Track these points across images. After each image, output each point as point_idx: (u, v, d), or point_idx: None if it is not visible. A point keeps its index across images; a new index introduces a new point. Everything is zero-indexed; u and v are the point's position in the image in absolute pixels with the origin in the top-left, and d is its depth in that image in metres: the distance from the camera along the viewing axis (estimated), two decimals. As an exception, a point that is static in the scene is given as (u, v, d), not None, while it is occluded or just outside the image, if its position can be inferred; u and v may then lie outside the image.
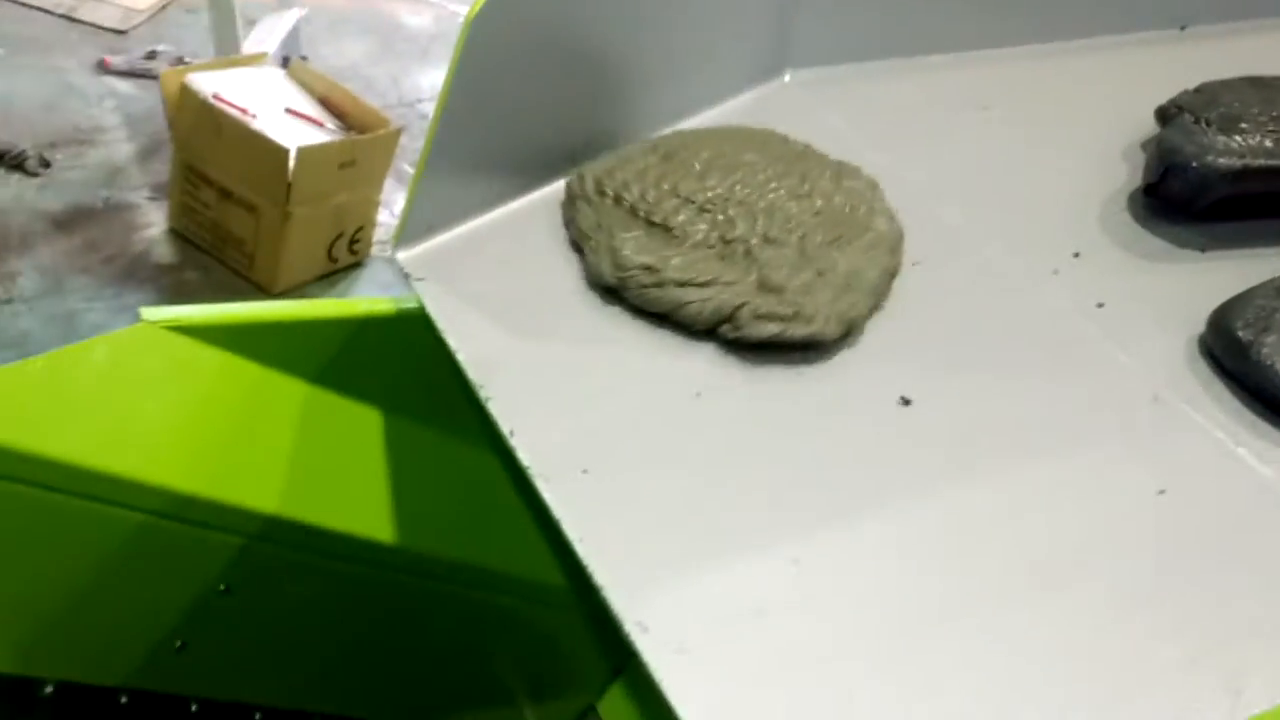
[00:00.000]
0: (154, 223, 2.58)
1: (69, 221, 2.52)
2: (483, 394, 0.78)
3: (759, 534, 0.70)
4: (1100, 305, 0.88)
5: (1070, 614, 0.67)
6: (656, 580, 0.67)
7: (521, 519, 1.05)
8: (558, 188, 0.94)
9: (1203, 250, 0.94)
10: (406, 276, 0.87)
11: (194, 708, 1.02)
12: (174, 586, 0.93)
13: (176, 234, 2.56)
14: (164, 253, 2.50)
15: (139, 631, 0.95)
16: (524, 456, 0.73)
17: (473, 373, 0.79)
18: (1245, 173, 0.90)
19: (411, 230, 0.88)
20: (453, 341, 0.82)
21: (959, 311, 0.87)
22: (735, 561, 0.69)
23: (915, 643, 0.65)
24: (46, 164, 2.66)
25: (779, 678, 0.63)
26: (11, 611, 0.87)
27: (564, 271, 0.87)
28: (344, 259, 2.59)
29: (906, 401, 0.79)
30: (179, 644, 0.96)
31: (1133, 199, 0.99)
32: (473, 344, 0.81)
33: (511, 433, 0.75)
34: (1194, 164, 0.91)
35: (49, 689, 0.92)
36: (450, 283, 0.86)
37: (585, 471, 0.73)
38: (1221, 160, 0.91)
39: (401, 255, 0.88)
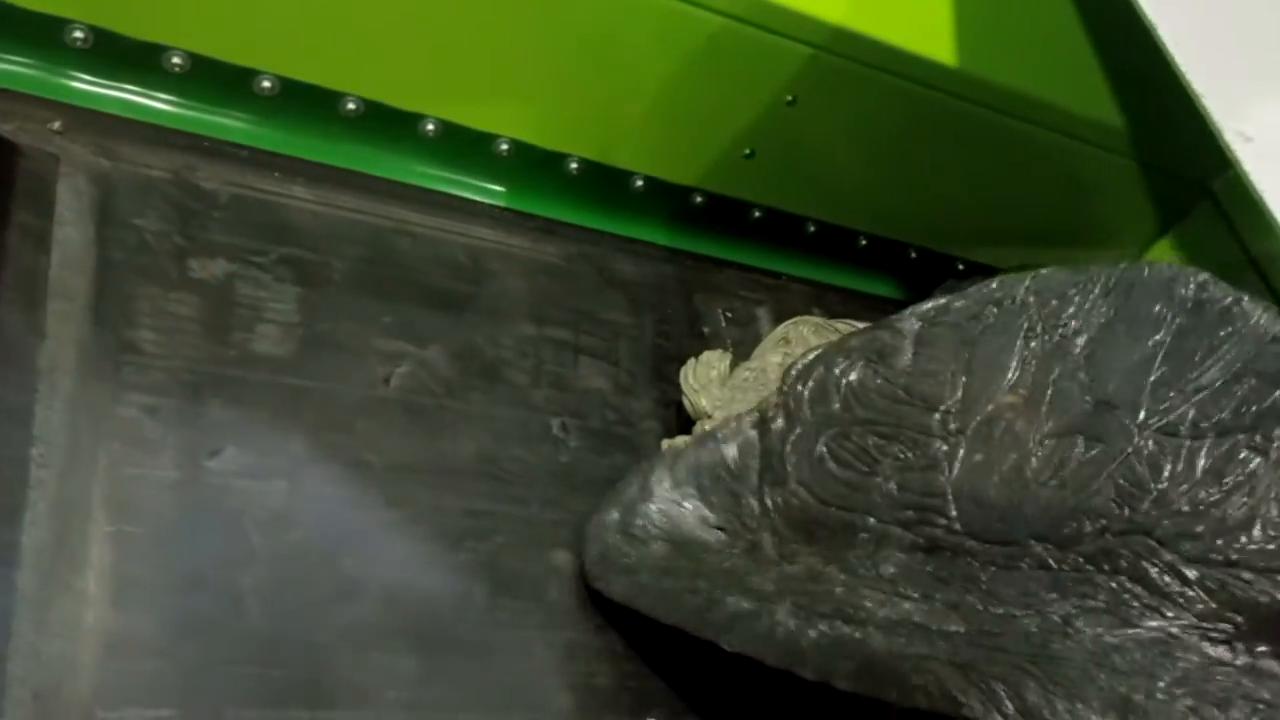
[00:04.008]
0: None
1: None
2: None
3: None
4: None
5: None
6: (1262, 92, 0.62)
7: (1087, 49, 1.01)
8: None
9: None
10: None
11: (756, 214, 1.10)
12: (746, 93, 0.98)
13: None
14: None
15: (713, 135, 1.02)
16: None
17: None
18: None
19: None
20: None
21: None
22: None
23: None
24: None
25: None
26: (604, 106, 0.97)
27: None
28: None
29: None
30: (747, 151, 1.03)
31: None
32: None
33: None
34: None
35: (639, 183, 1.04)
36: None
37: None
38: None
39: None
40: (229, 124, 0.90)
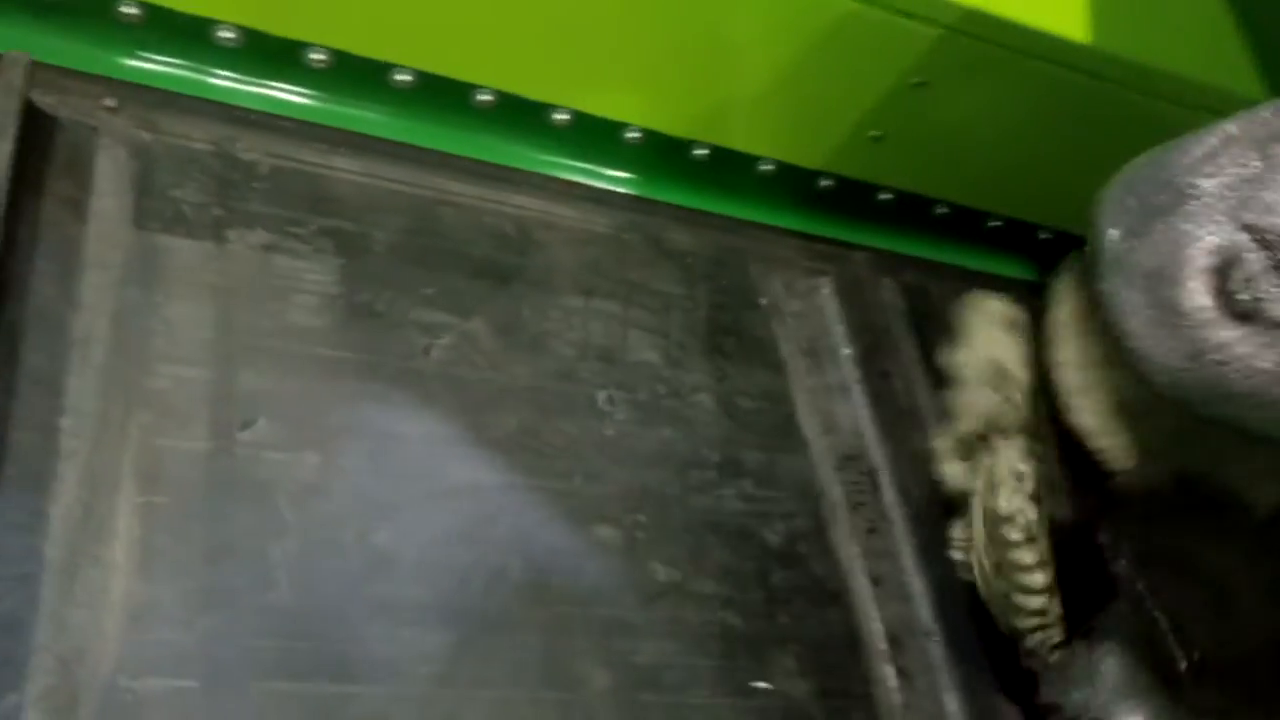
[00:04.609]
0: None
1: None
2: None
3: None
4: None
5: None
6: None
7: (1228, 23, 0.99)
8: None
9: None
10: None
11: (883, 196, 1.11)
12: (874, 75, 0.98)
13: None
14: None
15: (840, 119, 1.02)
16: None
17: None
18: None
19: None
20: None
21: None
22: None
23: None
24: None
25: None
26: (731, 91, 0.98)
27: None
28: None
29: None
30: (875, 134, 1.03)
31: None
32: None
33: None
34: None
35: (767, 167, 1.05)
36: None
37: None
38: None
39: None
40: (367, 117, 0.92)
